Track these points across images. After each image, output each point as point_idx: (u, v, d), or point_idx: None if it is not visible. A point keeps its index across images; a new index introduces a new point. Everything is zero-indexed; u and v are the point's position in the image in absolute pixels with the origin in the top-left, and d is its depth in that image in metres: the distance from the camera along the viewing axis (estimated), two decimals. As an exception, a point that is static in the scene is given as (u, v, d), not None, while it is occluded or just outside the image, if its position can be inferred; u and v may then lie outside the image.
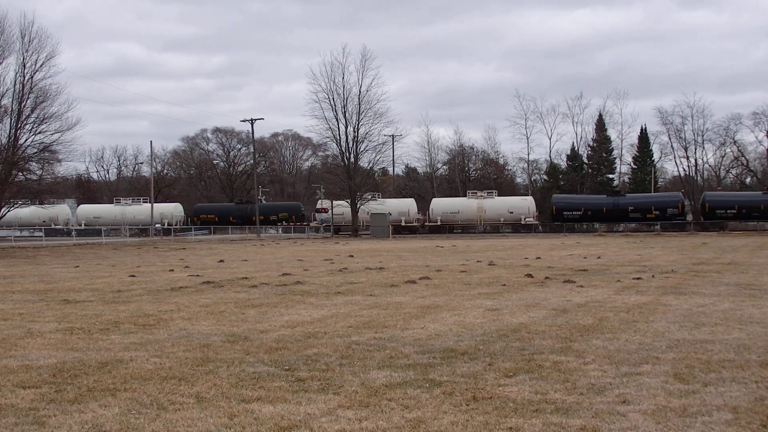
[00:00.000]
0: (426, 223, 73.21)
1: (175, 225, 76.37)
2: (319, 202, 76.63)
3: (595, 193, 79.29)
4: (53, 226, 76.47)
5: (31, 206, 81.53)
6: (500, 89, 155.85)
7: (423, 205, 79.55)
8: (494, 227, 70.87)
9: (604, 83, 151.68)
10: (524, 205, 71.36)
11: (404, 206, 74.41)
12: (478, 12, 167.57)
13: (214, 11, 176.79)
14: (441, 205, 73.86)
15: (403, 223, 72.04)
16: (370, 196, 71.66)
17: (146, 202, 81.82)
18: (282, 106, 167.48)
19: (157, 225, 71.17)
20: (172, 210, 79.81)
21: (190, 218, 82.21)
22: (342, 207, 71.46)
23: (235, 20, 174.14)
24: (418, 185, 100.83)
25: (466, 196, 74.26)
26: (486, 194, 73.17)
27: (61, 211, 79.21)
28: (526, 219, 69.73)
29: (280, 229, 77.58)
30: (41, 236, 65.69)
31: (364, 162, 73.20)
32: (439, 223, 71.68)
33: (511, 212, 70.67)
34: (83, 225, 78.14)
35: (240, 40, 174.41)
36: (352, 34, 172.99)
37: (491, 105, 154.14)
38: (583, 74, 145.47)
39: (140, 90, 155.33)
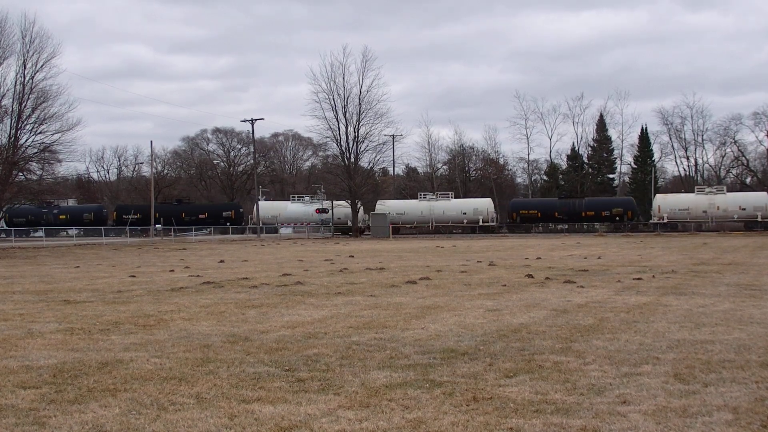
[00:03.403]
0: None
1: (490, 221, 71.94)
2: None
3: None
4: (349, 224, 73.35)
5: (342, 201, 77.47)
6: (504, 91, 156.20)
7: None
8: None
9: (608, 85, 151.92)
10: None
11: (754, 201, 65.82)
12: (484, 14, 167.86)
13: (221, 13, 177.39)
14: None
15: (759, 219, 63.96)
16: (712, 189, 67.06)
17: (457, 197, 78.24)
18: (287, 107, 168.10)
19: (158, 226, 70.95)
20: (487, 205, 73.80)
21: (507, 214, 75.14)
22: None
23: (242, 22, 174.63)
24: (419, 185, 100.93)
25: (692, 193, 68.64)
26: None
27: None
28: None
29: (601, 225, 69.05)
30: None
31: (364, 162, 73.42)
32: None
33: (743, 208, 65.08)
34: (350, 222, 73.91)
35: (247, 42, 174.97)
36: (358, 36, 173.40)
37: (494, 106, 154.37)
38: (586, 76, 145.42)
39: (146, 91, 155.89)
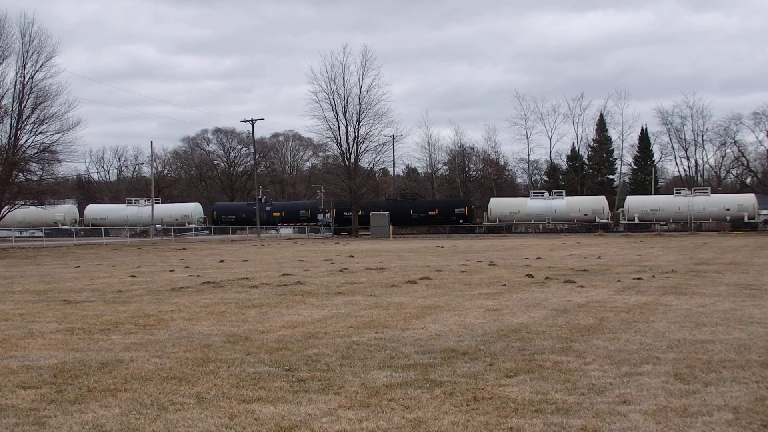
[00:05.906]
0: None
1: (756, 217, 66.46)
2: None
3: None
4: (600, 220, 70.07)
5: (567, 197, 73.02)
6: (508, 91, 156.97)
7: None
8: None
9: (611, 85, 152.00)
10: None
11: None
12: (490, 15, 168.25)
13: (228, 14, 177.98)
14: None
15: None
16: None
17: (714, 193, 72.90)
18: (290, 107, 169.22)
19: (157, 226, 70.87)
20: (752, 201, 67.75)
21: None
22: None
23: (249, 23, 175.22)
24: (419, 185, 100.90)
25: None
26: None
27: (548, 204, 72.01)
28: None
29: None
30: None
31: (364, 162, 73.53)
32: None
33: None
34: (636, 219, 69.97)
35: (253, 43, 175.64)
36: (364, 38, 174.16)
37: (497, 107, 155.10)
38: (590, 76, 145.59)
39: (153, 92, 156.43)
